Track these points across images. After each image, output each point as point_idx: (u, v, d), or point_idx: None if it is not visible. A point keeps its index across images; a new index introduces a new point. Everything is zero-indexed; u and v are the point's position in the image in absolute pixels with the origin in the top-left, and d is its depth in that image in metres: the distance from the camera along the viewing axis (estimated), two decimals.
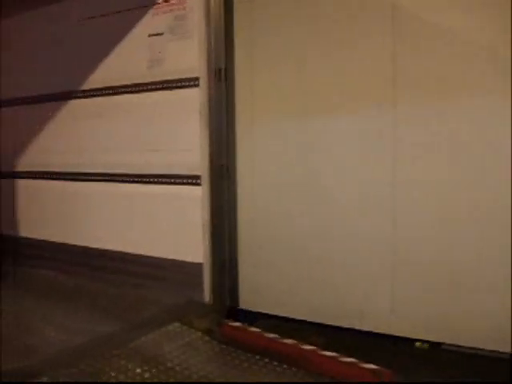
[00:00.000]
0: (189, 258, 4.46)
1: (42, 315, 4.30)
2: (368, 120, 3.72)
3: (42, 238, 5.70)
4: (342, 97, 3.84)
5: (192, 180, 4.41)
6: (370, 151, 3.74)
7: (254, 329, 3.76)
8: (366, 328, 3.83)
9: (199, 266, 4.36)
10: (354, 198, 3.84)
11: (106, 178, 5.02)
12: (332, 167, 3.92)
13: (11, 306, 4.53)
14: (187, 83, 4.34)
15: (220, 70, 4.20)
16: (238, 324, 3.86)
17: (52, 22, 5.36)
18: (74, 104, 5.25)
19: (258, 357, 3.44)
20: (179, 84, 4.40)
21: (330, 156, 3.92)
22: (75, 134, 5.27)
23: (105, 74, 4.95)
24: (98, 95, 4.99)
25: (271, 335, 3.59)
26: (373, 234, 3.77)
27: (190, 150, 4.37)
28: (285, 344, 3.47)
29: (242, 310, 4.38)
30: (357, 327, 3.86)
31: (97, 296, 4.69)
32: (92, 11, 4.94)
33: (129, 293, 4.69)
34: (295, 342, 3.47)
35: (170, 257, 4.57)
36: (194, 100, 4.29)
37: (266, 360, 3.40)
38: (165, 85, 4.50)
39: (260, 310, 4.29)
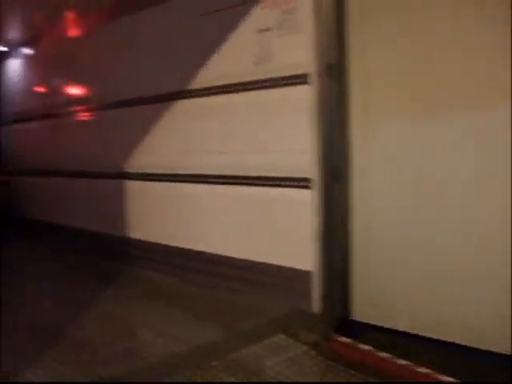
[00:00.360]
0: (297, 265, 4.33)
1: (143, 318, 4.40)
2: (497, 116, 3.38)
3: (149, 240, 5.85)
4: (466, 92, 3.51)
5: (302, 183, 4.27)
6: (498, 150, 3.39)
7: (364, 346, 3.53)
8: (485, 347, 3.46)
9: (308, 273, 4.20)
10: (480, 203, 3.49)
11: (212, 179, 5.02)
12: (457, 170, 3.58)
13: (115, 306, 4.69)
14: (296, 80, 4.21)
15: (331, 65, 3.99)
16: (347, 340, 3.65)
17: (161, 22, 5.47)
18: (181, 104, 5.32)
19: (367, 377, 3.23)
20: (288, 81, 4.28)
21: (457, 157, 3.58)
22: (182, 135, 5.34)
23: (212, 72, 4.95)
24: (205, 95, 5.01)
25: (383, 354, 3.35)
26: (500, 243, 3.41)
27: (300, 152, 4.23)
28: (398, 365, 3.23)
29: (353, 321, 4.16)
30: (475, 346, 3.51)
31: (201, 301, 4.71)
32: (201, 8, 4.95)
33: (233, 299, 4.64)
34: (409, 363, 3.21)
35: (277, 263, 4.48)
36: (304, 98, 4.12)
37: (377, 381, 3.18)
38: (273, 82, 4.40)
39: (372, 322, 4.03)
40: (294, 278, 4.34)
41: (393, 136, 3.87)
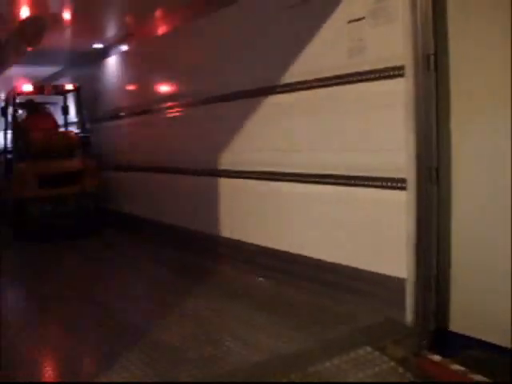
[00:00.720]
0: (389, 272, 4.14)
1: (225, 321, 4.40)
2: None
3: (239, 239, 5.88)
4: None
5: (396, 184, 4.08)
6: None
7: (456, 366, 3.31)
8: None
9: (401, 281, 4.01)
10: None
11: (301, 178, 4.94)
12: None
13: (199, 307, 4.72)
14: (391, 73, 4.02)
15: (428, 56, 3.78)
16: (438, 358, 3.43)
17: (251, 15, 5.47)
18: (271, 100, 5.27)
19: None
20: (382, 74, 4.09)
21: None
22: (272, 131, 5.30)
23: (302, 66, 4.86)
24: (295, 90, 4.93)
25: (476, 376, 3.12)
26: None
27: (394, 150, 4.04)
28: None
29: (448, 332, 3.91)
30: None
31: (288, 305, 4.63)
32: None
33: (322, 304, 4.53)
34: None
35: (368, 268, 4.31)
36: (399, 92, 3.94)
37: None
38: (366, 75, 4.23)
39: (470, 335, 3.76)
40: (386, 285, 4.16)
41: (499, 132, 3.59)
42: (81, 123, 9.62)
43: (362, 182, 4.34)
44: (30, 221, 8.09)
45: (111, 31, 8.04)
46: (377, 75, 4.14)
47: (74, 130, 9.67)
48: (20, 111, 9.71)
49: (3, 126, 9.84)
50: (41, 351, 4.07)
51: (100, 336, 4.22)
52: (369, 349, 3.59)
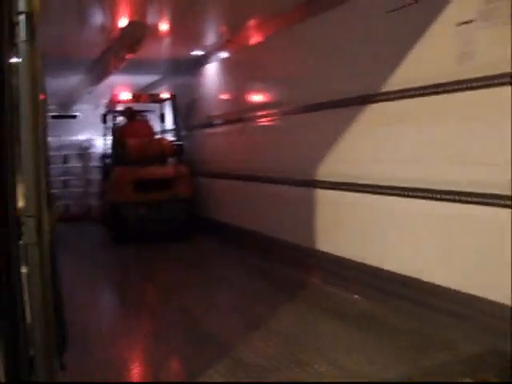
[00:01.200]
0: (494, 297, 3.86)
1: (316, 341, 4.20)
2: None
3: (334, 253, 5.72)
4: None
5: (504, 201, 3.79)
6: None
7: None
8: None
9: (507, 308, 3.70)
10: None
11: (401, 192, 4.73)
12: None
13: (290, 324, 4.58)
14: (503, 79, 3.74)
15: None
16: None
17: (346, 22, 5.36)
18: (371, 108, 5.10)
19: None
20: (493, 81, 3.84)
21: None
22: (371, 141, 5.13)
23: (405, 72, 4.66)
24: (397, 98, 4.73)
25: None
26: None
27: (506, 164, 3.74)
28: None
29: None
30: None
31: (386, 326, 4.41)
32: (391, 3, 4.67)
33: (418, 327, 4.29)
34: None
35: (471, 292, 4.05)
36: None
37: None
38: (474, 83, 3.98)
39: None
40: (492, 313, 3.88)
41: None
42: (176, 131, 9.86)
43: (467, 198, 4.07)
44: (125, 224, 8.48)
45: (209, 39, 8.12)
46: (488, 82, 3.87)
47: (168, 137, 9.89)
48: (120, 118, 10.06)
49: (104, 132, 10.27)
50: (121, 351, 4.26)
51: (182, 345, 4.24)
52: (468, 381, 3.33)
